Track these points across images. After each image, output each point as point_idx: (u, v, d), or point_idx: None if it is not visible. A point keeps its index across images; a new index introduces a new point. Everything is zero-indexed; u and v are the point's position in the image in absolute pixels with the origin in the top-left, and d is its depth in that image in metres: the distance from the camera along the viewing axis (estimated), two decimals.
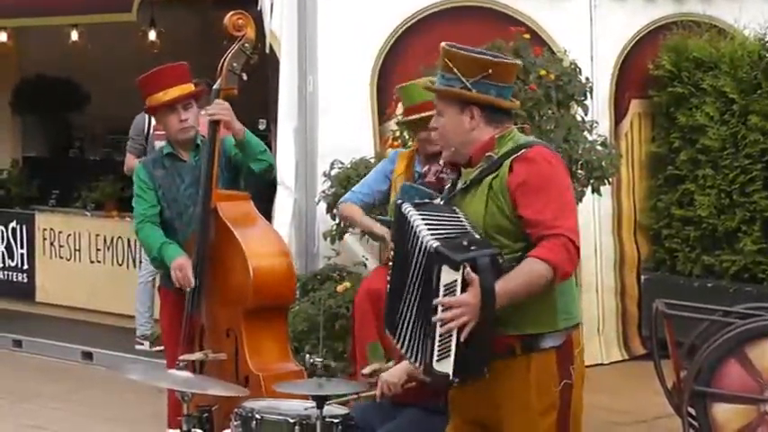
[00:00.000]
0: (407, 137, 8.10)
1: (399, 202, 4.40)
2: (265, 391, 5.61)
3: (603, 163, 8.15)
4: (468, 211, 4.34)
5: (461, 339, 4.15)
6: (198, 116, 6.48)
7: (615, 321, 9.92)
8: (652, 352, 7.16)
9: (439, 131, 4.49)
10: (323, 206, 8.32)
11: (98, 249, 11.25)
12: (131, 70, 14.41)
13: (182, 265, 6.20)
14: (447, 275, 4.16)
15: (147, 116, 9.46)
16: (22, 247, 11.80)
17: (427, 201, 4.43)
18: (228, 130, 6.30)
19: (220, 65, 6.30)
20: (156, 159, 6.55)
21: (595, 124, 8.65)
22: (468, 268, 4.14)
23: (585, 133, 8.35)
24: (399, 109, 8.61)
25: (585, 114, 8.52)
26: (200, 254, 6.21)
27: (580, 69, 8.48)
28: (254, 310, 6.05)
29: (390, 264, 4.42)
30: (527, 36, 8.43)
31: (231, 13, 6.37)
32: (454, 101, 4.41)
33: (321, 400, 4.90)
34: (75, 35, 13.17)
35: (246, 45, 6.27)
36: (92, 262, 11.27)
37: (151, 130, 9.51)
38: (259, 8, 8.78)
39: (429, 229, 4.24)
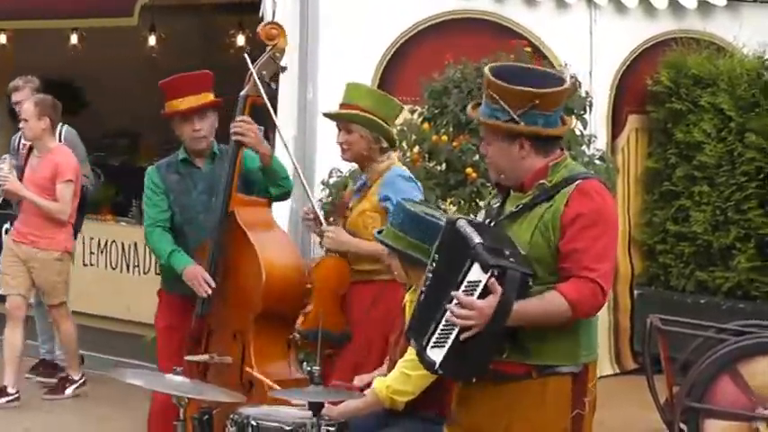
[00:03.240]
0: (406, 146, 8.12)
1: (455, 219, 4.35)
2: (269, 396, 5.63)
3: (601, 177, 8.16)
4: (514, 237, 4.31)
5: (460, 339, 4.18)
6: (214, 125, 6.48)
7: (607, 336, 9.93)
8: (645, 367, 7.18)
9: (488, 159, 4.47)
10: (320, 215, 8.32)
11: (92, 253, 11.23)
12: (130, 74, 14.54)
13: (195, 273, 6.22)
14: (474, 273, 4.17)
15: (20, 135, 9.42)
16: None
17: (480, 222, 4.42)
18: (254, 152, 6.33)
19: (250, 72, 6.31)
20: (170, 164, 6.53)
21: (593, 138, 8.67)
22: (496, 276, 4.13)
23: (584, 147, 8.37)
24: (399, 119, 8.64)
25: (584, 128, 8.55)
26: (214, 257, 6.23)
27: (580, 83, 8.50)
28: (264, 316, 6.07)
29: (428, 276, 4.38)
30: (528, 49, 8.46)
31: (265, 22, 6.50)
32: (501, 133, 4.36)
33: (317, 408, 4.90)
34: (74, 39, 13.20)
35: (278, 54, 6.30)
36: (85, 265, 11.24)
37: (21, 149, 9.44)
38: (261, 15, 8.80)
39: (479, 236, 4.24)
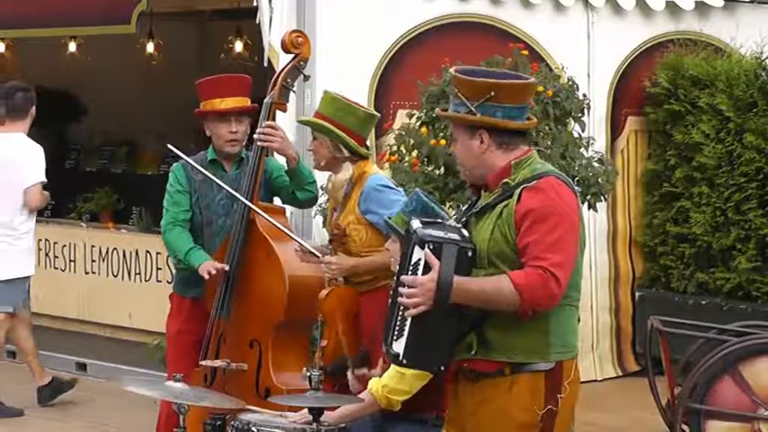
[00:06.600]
0: (404, 151, 8.12)
1: (410, 219, 4.50)
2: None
3: (600, 179, 8.17)
4: (477, 235, 4.40)
5: (412, 321, 4.29)
6: (247, 131, 6.45)
7: (609, 338, 9.94)
8: (647, 369, 7.18)
9: (457, 155, 4.55)
10: (319, 220, 8.34)
11: (93, 261, 11.25)
12: (129, 82, 14.55)
13: (211, 264, 6.16)
14: (416, 254, 4.31)
15: None
16: None
17: (437, 221, 4.50)
18: (282, 156, 6.33)
19: (275, 79, 6.30)
20: (197, 163, 6.41)
21: (592, 141, 8.67)
22: (432, 249, 4.25)
23: (582, 150, 8.37)
24: (397, 123, 8.67)
25: (582, 131, 8.55)
26: (232, 263, 6.20)
27: (578, 86, 8.51)
28: (284, 323, 6.08)
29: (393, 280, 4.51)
30: (525, 52, 8.46)
31: (290, 30, 6.46)
32: (462, 126, 4.46)
33: (317, 413, 4.91)
34: (73, 47, 13.21)
35: (302, 63, 6.28)
36: (86, 273, 11.27)
37: None
38: (258, 21, 8.81)
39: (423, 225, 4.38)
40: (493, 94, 4.37)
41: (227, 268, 6.16)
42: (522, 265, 4.31)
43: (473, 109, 4.39)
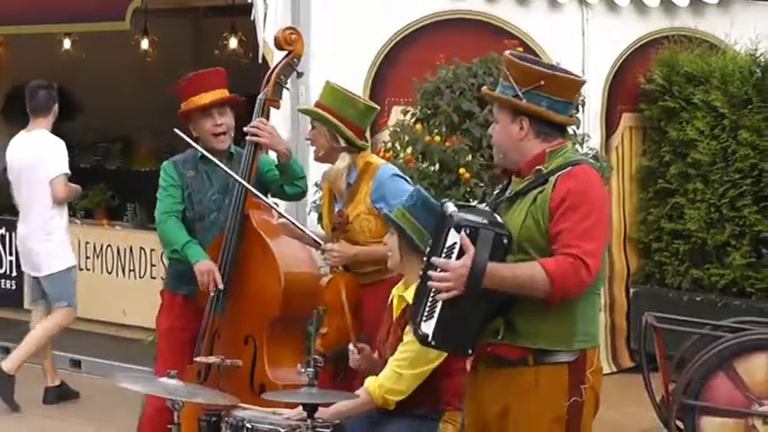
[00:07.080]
0: (399, 147, 8.12)
1: (443, 201, 4.54)
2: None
3: None
4: (508, 220, 4.42)
5: (442, 304, 4.30)
6: (233, 124, 6.47)
7: (604, 334, 9.94)
8: (641, 365, 7.19)
9: (492, 140, 4.59)
10: (314, 216, 8.34)
11: (87, 257, 11.25)
12: (123, 79, 14.52)
13: (209, 268, 6.17)
14: (451, 238, 4.30)
15: None
16: (10, 254, 11.79)
17: (470, 205, 4.60)
18: (273, 151, 6.34)
19: (268, 75, 6.33)
20: (187, 160, 6.49)
21: (587, 137, 8.68)
22: (468, 234, 4.25)
23: (577, 146, 8.38)
24: (392, 120, 8.67)
25: (577, 128, 8.55)
26: (226, 259, 6.20)
27: None
28: (280, 320, 6.07)
29: (423, 260, 4.50)
30: (520, 49, 8.45)
31: (284, 27, 6.50)
32: (506, 108, 4.49)
33: (312, 409, 4.91)
34: (67, 43, 13.20)
35: (295, 60, 6.32)
36: (81, 270, 11.22)
37: None
38: (252, 18, 8.80)
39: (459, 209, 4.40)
40: (542, 83, 4.41)
41: (220, 285, 6.16)
42: (551, 253, 4.32)
43: (520, 94, 4.43)
